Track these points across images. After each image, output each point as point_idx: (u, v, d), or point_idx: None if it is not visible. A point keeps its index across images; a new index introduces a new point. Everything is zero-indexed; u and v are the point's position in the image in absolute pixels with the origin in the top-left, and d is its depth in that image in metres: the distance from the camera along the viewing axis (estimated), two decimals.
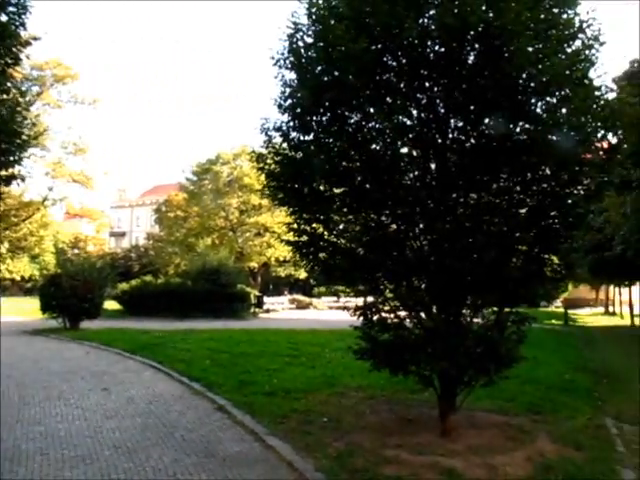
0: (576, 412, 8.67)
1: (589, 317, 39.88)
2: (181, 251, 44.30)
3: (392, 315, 7.25)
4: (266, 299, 37.00)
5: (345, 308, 7.57)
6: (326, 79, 6.59)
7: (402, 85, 6.73)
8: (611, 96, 6.71)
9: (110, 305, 28.71)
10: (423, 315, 6.90)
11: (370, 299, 7.73)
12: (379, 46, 6.42)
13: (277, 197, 7.22)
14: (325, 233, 7.30)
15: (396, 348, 6.68)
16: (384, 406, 8.80)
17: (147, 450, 6.60)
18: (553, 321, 30.98)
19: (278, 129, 6.98)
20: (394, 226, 6.96)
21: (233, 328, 21.33)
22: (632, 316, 30.33)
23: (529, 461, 6.26)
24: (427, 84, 6.73)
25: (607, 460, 6.41)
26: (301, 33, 6.90)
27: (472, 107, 6.32)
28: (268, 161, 7.16)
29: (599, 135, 6.48)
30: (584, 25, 6.36)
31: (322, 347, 15.14)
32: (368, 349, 7.08)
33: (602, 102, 6.33)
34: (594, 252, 22.11)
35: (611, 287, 42.11)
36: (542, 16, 6.47)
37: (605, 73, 6.51)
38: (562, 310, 34.20)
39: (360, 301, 8.24)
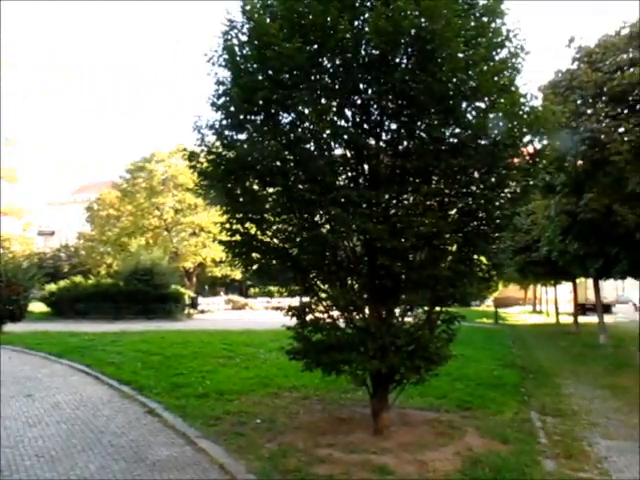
0: (504, 407, 8.96)
1: (518, 315, 41.42)
2: (113, 251, 43.02)
3: (325, 315, 7.28)
4: (201, 300, 36.49)
5: (279, 308, 7.54)
6: (260, 78, 6.55)
7: (337, 86, 6.76)
8: (536, 103, 6.98)
9: (37, 307, 27.56)
10: (356, 315, 6.94)
11: (305, 299, 7.73)
12: (314, 46, 6.42)
13: (209, 196, 7.11)
14: (258, 233, 7.24)
15: (328, 348, 6.70)
16: (318, 406, 8.84)
17: (72, 458, 6.35)
18: (484, 319, 32.00)
19: (211, 127, 6.88)
20: (328, 226, 6.99)
21: (166, 329, 20.90)
22: (557, 314, 31.72)
23: (458, 456, 6.41)
24: (362, 86, 6.78)
25: (531, 452, 6.66)
26: (235, 31, 6.82)
27: (405, 110, 6.42)
28: (200, 159, 7.04)
29: (525, 140, 6.73)
30: (511, 34, 6.59)
31: (257, 348, 15.04)
32: (301, 349, 7.08)
33: (527, 108, 6.58)
34: (522, 253, 22.94)
35: (538, 286, 43.81)
36: (472, 24, 6.67)
37: (530, 81, 6.79)
38: (493, 309, 35.33)
39: (295, 301, 8.22)
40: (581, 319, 27.94)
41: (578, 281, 26.60)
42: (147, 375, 10.92)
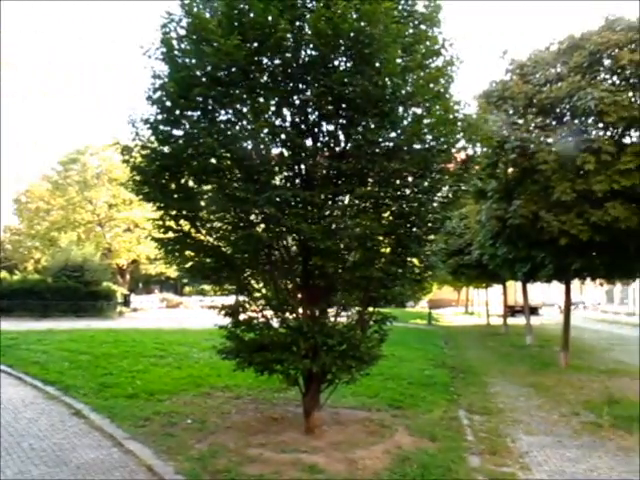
0: (433, 406, 9.19)
1: (451, 317, 42.56)
2: (42, 246, 41.40)
3: (259, 315, 7.26)
4: (135, 297, 35.67)
5: (212, 307, 7.46)
6: (198, 73, 6.45)
7: (276, 86, 6.75)
8: (470, 111, 7.21)
9: None
10: (289, 315, 6.95)
11: (239, 298, 7.68)
12: (254, 45, 6.39)
13: (142, 192, 6.94)
14: (192, 231, 7.14)
15: (261, 347, 6.69)
16: (250, 405, 8.80)
17: None
18: (418, 320, 32.70)
19: (146, 121, 6.72)
20: (263, 225, 6.97)
21: (97, 328, 20.27)
22: (488, 316, 32.79)
23: (387, 454, 6.53)
24: (301, 86, 6.80)
25: (457, 449, 6.86)
26: (174, 24, 6.70)
27: (342, 113, 6.48)
28: (134, 154, 6.87)
29: (458, 146, 6.93)
30: (446, 43, 6.78)
31: (190, 347, 14.82)
32: (233, 349, 7.04)
33: (461, 116, 6.77)
34: (455, 256, 23.64)
35: (471, 289, 45.14)
36: (410, 31, 6.82)
37: (464, 89, 7.01)
38: (427, 310, 36.17)
39: (231, 300, 8.16)
40: (510, 321, 29.00)
41: (508, 284, 27.53)
42: (74, 375, 10.56)
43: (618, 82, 8.91)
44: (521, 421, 8.66)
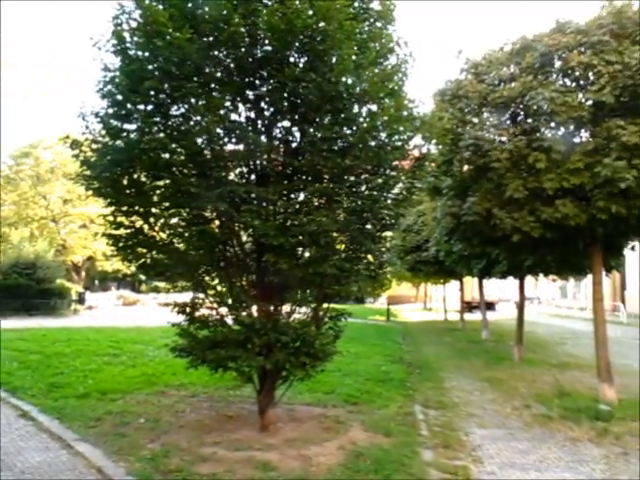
0: (389, 401, 9.27)
1: (410, 313, 43.02)
2: None
3: (214, 312, 7.19)
4: (90, 295, 34.90)
5: (167, 305, 7.35)
6: (150, 67, 6.33)
7: (231, 81, 6.67)
8: (427, 109, 7.28)
9: None
10: (243, 312, 6.90)
11: (194, 295, 7.58)
12: (208, 39, 6.29)
13: (92, 187, 6.77)
14: (145, 227, 7.01)
15: (214, 345, 6.62)
16: (205, 403, 8.72)
17: None
18: (377, 317, 32.97)
19: (96, 115, 6.56)
20: (217, 222, 6.90)
21: (49, 326, 19.79)
22: (445, 312, 33.26)
23: (342, 450, 6.55)
24: (257, 82, 6.74)
25: (411, 444, 6.93)
26: (126, 15, 6.54)
27: (297, 109, 6.45)
28: (84, 148, 6.70)
29: (411, 144, 6.99)
30: (401, 41, 6.82)
31: (146, 345, 14.59)
32: (186, 346, 6.95)
33: (415, 113, 6.83)
34: (413, 252, 23.88)
35: (429, 285, 45.73)
36: (366, 28, 6.84)
37: (423, 88, 7.07)
38: (386, 306, 36.48)
39: (186, 297, 8.04)
40: (467, 316, 29.47)
41: (465, 280, 27.95)
42: (23, 376, 10.27)
43: (569, 83, 9.08)
44: (475, 415, 8.82)
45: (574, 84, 9.01)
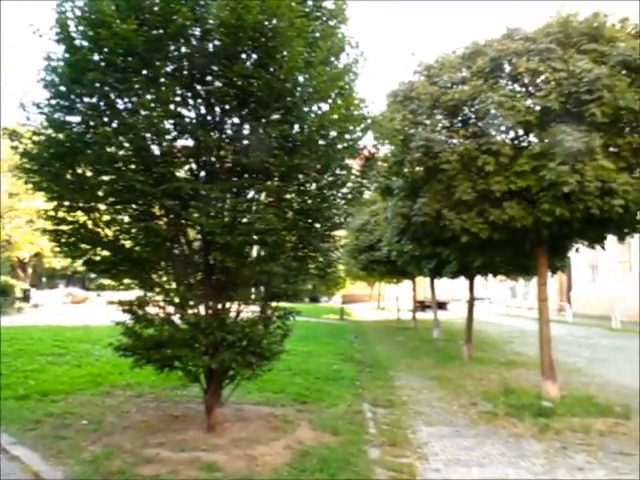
0: (338, 400, 9.29)
1: (363, 312, 43.38)
2: None
3: (161, 310, 7.06)
4: (36, 293, 33.87)
5: (112, 303, 7.18)
6: (96, 58, 6.15)
7: (181, 76, 6.56)
8: (379, 109, 7.32)
9: None
10: (190, 310, 6.79)
11: (141, 293, 7.43)
12: (158, 31, 6.16)
13: (32, 180, 6.54)
14: (89, 223, 6.81)
15: (159, 344, 6.50)
16: (151, 404, 8.55)
17: None
18: (331, 315, 33.10)
19: (37, 106, 6.34)
20: (165, 219, 6.77)
21: None
22: (398, 311, 33.66)
23: (288, 449, 6.52)
24: (208, 78, 6.64)
25: (358, 442, 6.95)
26: (70, 3, 6.34)
27: (247, 106, 6.39)
28: (24, 140, 6.47)
29: (361, 143, 7.02)
30: (352, 41, 6.84)
31: (93, 344, 14.21)
32: (130, 345, 6.80)
33: (365, 113, 6.86)
34: (366, 252, 24.08)
35: (383, 284, 46.19)
36: (318, 26, 6.82)
37: (374, 88, 7.10)
38: (341, 305, 36.68)
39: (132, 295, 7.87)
40: (420, 315, 29.86)
41: (418, 280, 28.32)
42: None
43: (517, 88, 9.29)
44: (423, 413, 8.94)
45: (523, 89, 9.23)
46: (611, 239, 10.16)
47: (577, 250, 12.36)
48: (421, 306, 38.36)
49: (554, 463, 6.54)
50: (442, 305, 40.82)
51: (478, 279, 18.12)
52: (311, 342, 17.10)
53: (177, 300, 6.74)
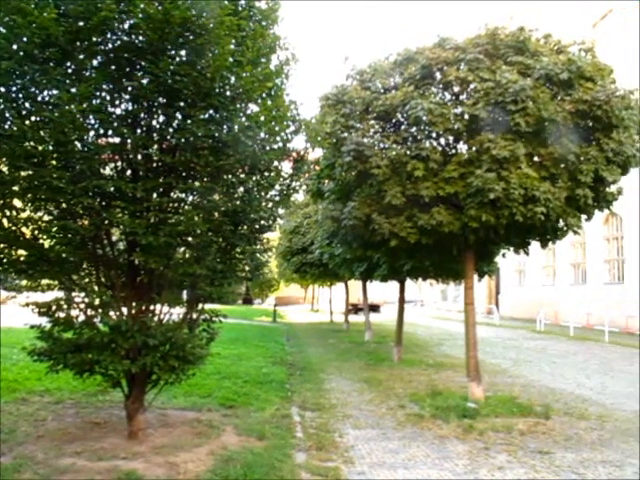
0: (266, 404, 9.21)
1: (297, 314, 43.38)
2: None
3: (82, 312, 6.75)
4: None
5: (27, 304, 6.80)
6: (16, 47, 5.81)
7: (107, 71, 6.31)
8: (309, 112, 7.28)
9: None
10: (112, 313, 6.54)
11: (60, 295, 7.08)
12: (80, 23, 5.89)
13: None
14: (4, 221, 6.43)
15: (78, 348, 6.22)
16: (70, 410, 8.19)
17: None
18: (264, 318, 32.90)
19: None
20: (87, 218, 6.48)
21: None
22: (331, 313, 33.90)
23: (211, 455, 6.38)
24: (135, 74, 6.40)
25: (285, 446, 6.90)
26: None
27: (174, 104, 6.21)
28: None
29: (292, 145, 6.97)
30: (282, 42, 6.77)
31: (10, 348, 13.44)
32: (46, 349, 6.47)
33: (295, 115, 6.81)
34: (299, 254, 24.10)
35: (317, 286, 46.39)
36: (251, 25, 6.72)
37: (309, 91, 7.05)
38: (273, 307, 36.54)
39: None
40: (353, 318, 30.20)
41: (351, 282, 28.58)
42: None
43: (448, 96, 9.50)
44: (351, 415, 8.97)
45: (452, 97, 9.44)
46: (535, 245, 10.53)
47: (504, 255, 12.78)
48: (354, 309, 38.84)
49: (476, 463, 6.69)
50: (375, 308, 41.36)
51: (411, 282, 18.47)
52: (242, 345, 16.92)
53: (98, 301, 6.46)
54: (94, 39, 6.04)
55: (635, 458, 7.01)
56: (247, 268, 7.33)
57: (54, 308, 6.66)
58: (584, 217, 9.69)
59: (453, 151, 9.53)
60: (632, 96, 9.02)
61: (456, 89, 9.30)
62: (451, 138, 9.44)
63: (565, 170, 8.82)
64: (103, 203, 6.26)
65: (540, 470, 6.50)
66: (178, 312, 7.14)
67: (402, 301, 16.54)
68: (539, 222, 8.66)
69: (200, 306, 7.04)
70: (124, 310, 6.57)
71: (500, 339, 23.50)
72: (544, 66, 8.58)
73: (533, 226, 8.98)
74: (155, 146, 6.49)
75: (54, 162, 6.18)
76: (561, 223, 9.42)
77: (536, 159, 9.07)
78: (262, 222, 7.06)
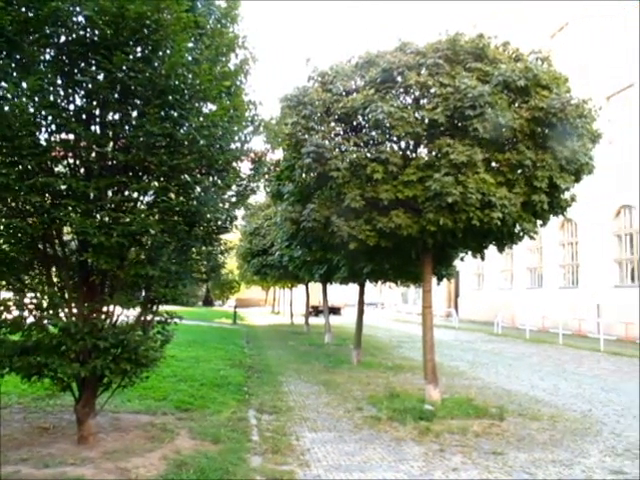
0: (223, 407, 9.10)
1: (258, 316, 43.18)
2: None
3: (30, 314, 6.53)
4: None
5: None
6: None
7: (61, 64, 6.13)
8: (270, 113, 7.19)
9: None
10: (62, 314, 6.34)
11: (7, 295, 6.83)
12: (29, 13, 5.70)
13: None
14: None
15: (26, 350, 6.01)
16: (18, 415, 7.91)
17: None
18: (224, 319, 32.61)
19: None
20: (37, 216, 6.27)
21: None
22: (291, 315, 33.83)
23: (164, 460, 6.24)
24: (92, 69, 6.24)
25: (240, 450, 6.81)
26: None
27: (128, 100, 6.07)
28: None
29: (251, 146, 6.89)
30: (242, 41, 6.69)
31: None
32: None
33: (254, 115, 6.74)
34: (259, 256, 23.96)
35: (278, 289, 46.23)
36: (211, 25, 6.62)
37: (262, 90, 6.98)
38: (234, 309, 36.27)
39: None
40: (314, 320, 30.18)
41: (312, 285, 28.57)
42: None
43: (409, 100, 9.55)
44: (308, 418, 8.93)
45: (413, 101, 9.50)
46: (494, 249, 10.68)
47: (462, 259, 12.92)
48: (315, 311, 38.87)
49: (431, 465, 6.74)
50: (335, 310, 41.49)
51: (373, 285, 18.55)
52: (200, 347, 16.72)
53: (47, 302, 6.25)
54: (46, 31, 5.85)
55: (583, 457, 7.18)
56: (203, 269, 7.21)
57: (1, 309, 6.42)
58: (540, 222, 9.87)
59: (413, 155, 9.58)
60: (586, 105, 9.23)
61: (417, 93, 9.35)
62: (411, 142, 9.49)
63: (521, 176, 8.97)
64: (55, 201, 6.05)
65: (493, 471, 6.58)
66: (133, 314, 6.98)
67: (361, 304, 16.59)
68: (496, 227, 8.77)
69: (155, 308, 6.88)
70: (75, 311, 6.38)
71: (458, 342, 23.82)
72: (502, 73, 8.71)
73: (490, 230, 9.09)
74: (111, 144, 6.31)
75: (1, 157, 5.96)
76: (517, 228, 9.57)
77: (494, 165, 9.19)
78: (219, 223, 6.96)
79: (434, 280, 12.87)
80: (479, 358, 18.08)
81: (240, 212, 7.36)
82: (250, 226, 24.07)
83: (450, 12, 41.70)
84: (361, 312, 16.32)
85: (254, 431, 7.89)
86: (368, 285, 19.04)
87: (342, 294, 43.12)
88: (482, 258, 11.06)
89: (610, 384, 13.21)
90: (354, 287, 17.28)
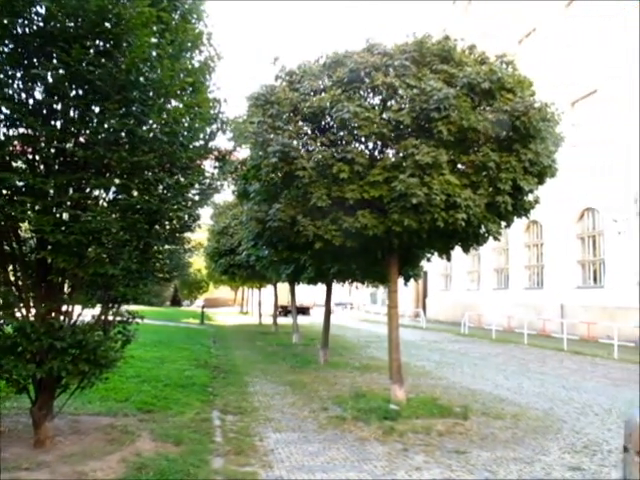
0: (186, 408, 9.00)
1: (226, 316, 42.86)
2: None
3: None
4: None
5: None
6: None
7: (17, 55, 5.96)
8: (237, 111, 7.12)
9: None
10: (18, 314, 6.17)
11: None
12: None
13: None
14: None
15: None
16: None
17: None
18: (191, 319, 32.29)
19: None
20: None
21: None
22: (260, 315, 33.68)
23: (123, 463, 6.13)
24: (54, 62, 6.08)
25: (202, 452, 6.74)
26: None
27: (88, 95, 5.93)
28: None
29: (212, 144, 6.80)
30: (206, 38, 6.61)
31: None
32: None
33: (218, 113, 6.66)
34: (227, 255, 23.76)
35: (246, 288, 45.99)
36: (175, 20, 6.52)
37: (228, 88, 6.91)
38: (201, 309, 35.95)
39: None
40: (282, 320, 30.08)
41: (281, 285, 28.47)
42: None
43: (376, 101, 9.57)
44: (273, 419, 8.88)
45: (380, 102, 9.52)
46: (460, 250, 10.77)
47: (429, 260, 12.99)
48: (284, 311, 38.78)
49: (394, 464, 6.76)
50: (304, 310, 41.46)
51: (341, 286, 18.56)
52: (165, 347, 16.52)
53: (1, 302, 6.08)
54: (3, 21, 5.68)
55: (544, 454, 7.29)
56: (166, 269, 7.10)
57: None
58: (504, 224, 9.99)
59: (380, 155, 9.60)
60: (549, 109, 9.38)
61: (383, 94, 9.37)
62: (378, 142, 9.51)
63: (486, 178, 9.06)
64: (14, 198, 5.88)
65: (456, 469, 6.63)
66: (94, 313, 6.84)
67: (329, 304, 16.60)
68: (460, 228, 8.84)
69: (116, 307, 6.75)
70: (32, 311, 6.21)
71: (426, 342, 23.99)
72: (467, 75, 8.79)
73: (455, 231, 9.16)
74: (73, 139, 6.16)
75: None
76: (482, 229, 9.66)
77: (459, 166, 9.27)
78: (182, 221, 6.86)
79: (401, 280, 12.94)
80: (445, 358, 18.24)
81: (208, 211, 7.27)
82: (218, 225, 23.86)
83: (421, 15, 42.10)
84: (328, 312, 16.32)
85: (217, 432, 7.82)
86: (337, 285, 19.06)
87: (311, 294, 43.09)
88: (448, 259, 11.15)
89: (572, 383, 13.48)
90: (323, 287, 17.27)
